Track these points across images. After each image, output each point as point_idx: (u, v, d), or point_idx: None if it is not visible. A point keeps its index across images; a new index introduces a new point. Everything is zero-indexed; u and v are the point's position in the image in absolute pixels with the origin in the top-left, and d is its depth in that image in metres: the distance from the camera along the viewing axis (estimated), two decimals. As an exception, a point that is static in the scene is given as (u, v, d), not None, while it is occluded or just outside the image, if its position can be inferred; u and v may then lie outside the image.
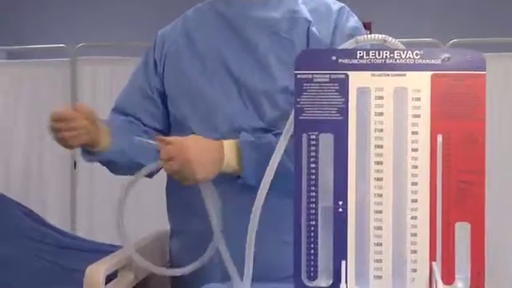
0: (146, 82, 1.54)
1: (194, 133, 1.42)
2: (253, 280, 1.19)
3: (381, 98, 1.06)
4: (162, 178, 1.50)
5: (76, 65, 3.77)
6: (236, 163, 1.35)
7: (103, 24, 5.61)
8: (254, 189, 1.16)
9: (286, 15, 1.44)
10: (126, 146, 1.45)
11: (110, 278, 1.35)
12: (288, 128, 1.08)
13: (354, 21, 1.46)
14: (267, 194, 1.10)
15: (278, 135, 1.34)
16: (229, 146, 1.36)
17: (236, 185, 1.37)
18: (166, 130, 1.55)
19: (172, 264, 1.54)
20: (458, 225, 1.05)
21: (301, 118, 1.07)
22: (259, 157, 1.32)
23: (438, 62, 1.05)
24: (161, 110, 1.55)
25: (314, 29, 1.41)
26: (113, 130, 1.45)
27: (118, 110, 1.57)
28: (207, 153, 1.34)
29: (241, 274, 1.19)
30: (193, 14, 1.54)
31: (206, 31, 1.48)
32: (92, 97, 3.73)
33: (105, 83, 3.72)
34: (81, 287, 1.25)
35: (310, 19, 1.43)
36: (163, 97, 1.54)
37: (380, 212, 1.06)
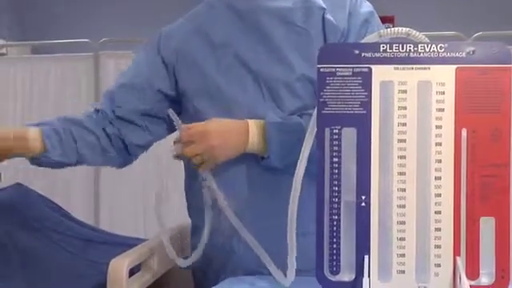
0: (145, 80, 1.52)
1: None
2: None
3: (404, 91, 1.05)
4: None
5: (99, 59, 3.80)
6: (262, 146, 1.35)
7: (126, 19, 5.64)
8: (277, 170, 1.16)
9: (297, 4, 1.43)
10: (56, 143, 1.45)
11: (133, 272, 1.36)
12: (313, 123, 1.08)
13: (367, 5, 1.46)
14: (285, 183, 1.11)
15: (303, 116, 1.34)
16: (255, 126, 1.35)
17: (259, 165, 1.36)
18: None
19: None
20: (482, 219, 1.04)
21: (323, 111, 1.06)
22: (285, 139, 1.32)
23: (463, 55, 1.04)
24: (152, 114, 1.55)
25: (328, 16, 1.40)
26: (46, 132, 1.44)
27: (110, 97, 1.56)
28: (231, 136, 1.34)
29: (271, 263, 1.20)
30: (203, 9, 1.53)
31: (219, 25, 1.47)
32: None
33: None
34: (105, 280, 1.26)
35: (324, 7, 1.42)
36: (162, 99, 1.53)
37: (403, 207, 1.05)
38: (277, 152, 1.33)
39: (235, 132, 1.35)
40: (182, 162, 1.48)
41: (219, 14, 1.49)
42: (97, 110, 1.54)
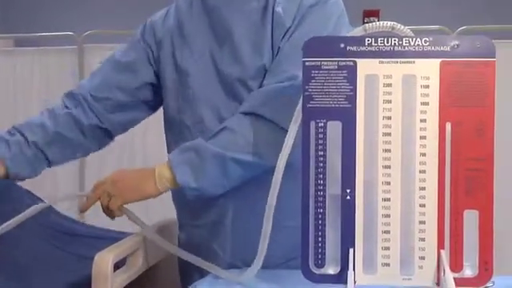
0: (124, 74, 1.52)
1: (187, 124, 1.42)
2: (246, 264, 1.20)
3: (389, 85, 1.06)
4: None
5: (83, 52, 3.78)
6: (168, 171, 1.34)
7: (111, 12, 5.61)
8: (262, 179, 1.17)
9: (261, 1, 1.41)
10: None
11: (118, 266, 1.35)
12: (297, 115, 1.08)
13: None
14: (266, 178, 1.12)
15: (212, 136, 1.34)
16: (162, 166, 1.35)
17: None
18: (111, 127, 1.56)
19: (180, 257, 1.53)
20: (466, 213, 1.04)
21: (309, 105, 1.07)
22: (194, 164, 1.32)
23: (447, 49, 1.05)
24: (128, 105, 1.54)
25: (278, 9, 1.38)
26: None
27: (76, 96, 1.55)
28: (134, 176, 1.38)
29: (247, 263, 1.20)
30: (184, 4, 1.51)
31: (194, 20, 1.46)
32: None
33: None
34: (90, 274, 1.25)
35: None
36: (145, 89, 1.53)
37: (388, 200, 1.06)
38: (188, 179, 1.32)
39: (139, 174, 1.38)
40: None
41: (195, 8, 1.47)
42: (74, 98, 1.53)
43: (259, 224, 1.13)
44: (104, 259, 1.25)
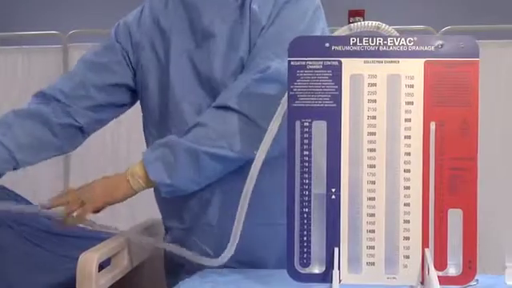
0: (99, 74, 1.50)
1: (169, 127, 1.41)
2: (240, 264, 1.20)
3: (374, 85, 1.06)
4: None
5: (68, 51, 3.76)
6: (140, 168, 1.33)
7: (96, 11, 5.58)
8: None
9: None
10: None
11: (103, 266, 1.35)
12: (278, 113, 1.08)
13: None
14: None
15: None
16: (136, 166, 1.35)
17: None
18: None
19: (166, 256, 1.53)
20: (450, 211, 1.05)
21: (294, 104, 1.07)
22: (162, 153, 1.32)
23: (432, 48, 1.05)
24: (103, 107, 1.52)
25: (254, 6, 1.38)
26: None
27: (46, 96, 1.52)
28: (108, 180, 1.37)
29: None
30: (157, 1, 1.49)
31: (170, 18, 1.44)
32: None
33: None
34: (74, 274, 1.25)
35: None
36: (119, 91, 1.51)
37: (373, 199, 1.06)
38: (161, 175, 1.31)
39: (113, 178, 1.37)
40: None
41: (171, 6, 1.46)
42: (45, 97, 1.51)
43: (248, 223, 1.13)
44: (88, 259, 1.25)
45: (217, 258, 1.22)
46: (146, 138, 1.52)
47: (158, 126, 1.46)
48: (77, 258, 1.25)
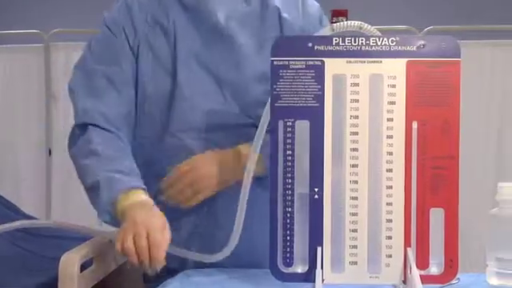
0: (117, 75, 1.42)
1: (171, 129, 1.37)
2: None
3: (356, 84, 1.06)
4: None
5: (50, 51, 3.73)
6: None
7: (78, 9, 5.55)
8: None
9: (255, 6, 1.40)
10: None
11: (85, 266, 1.34)
12: (265, 116, 1.08)
13: (315, 2, 1.44)
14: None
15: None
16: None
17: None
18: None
19: None
20: (432, 211, 1.06)
21: (277, 104, 1.07)
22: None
23: (414, 48, 1.06)
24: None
25: (285, 15, 1.38)
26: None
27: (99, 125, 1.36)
28: (222, 161, 1.28)
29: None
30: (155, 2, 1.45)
31: (172, 21, 1.41)
32: (66, 83, 3.68)
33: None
34: (55, 275, 1.24)
35: (279, 6, 1.40)
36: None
37: (355, 198, 1.07)
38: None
39: (226, 158, 1.30)
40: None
41: (171, 9, 1.43)
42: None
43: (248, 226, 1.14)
44: (70, 260, 1.24)
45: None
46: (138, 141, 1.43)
47: (157, 129, 1.39)
48: (58, 259, 1.24)
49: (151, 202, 1.22)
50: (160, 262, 1.13)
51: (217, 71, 1.35)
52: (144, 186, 1.25)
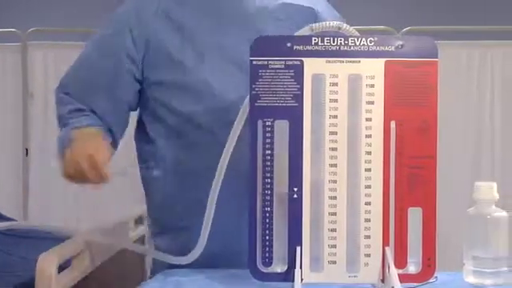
0: (118, 67, 1.38)
1: (202, 127, 1.34)
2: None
3: (335, 84, 1.07)
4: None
5: (27, 50, 3.70)
6: None
7: (56, 7, 5.50)
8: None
9: (280, 4, 1.40)
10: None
11: (63, 267, 1.33)
12: (242, 113, 1.08)
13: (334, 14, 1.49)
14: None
15: None
16: None
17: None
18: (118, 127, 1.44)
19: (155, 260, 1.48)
20: (410, 210, 1.06)
21: (256, 104, 1.07)
22: None
23: (392, 49, 1.06)
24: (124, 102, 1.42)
25: (319, 10, 1.43)
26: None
27: (71, 96, 1.41)
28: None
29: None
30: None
31: (192, 14, 1.38)
32: (43, 82, 3.66)
33: (56, 68, 3.66)
34: (32, 276, 1.23)
35: (314, 8, 1.42)
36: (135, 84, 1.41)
37: (334, 198, 1.07)
38: None
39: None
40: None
41: (191, 2, 1.40)
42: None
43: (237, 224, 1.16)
44: (48, 260, 1.23)
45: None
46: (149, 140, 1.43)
47: (177, 127, 1.38)
48: (35, 260, 1.23)
49: (99, 132, 1.33)
50: (105, 179, 1.23)
51: (241, 61, 1.29)
52: (99, 124, 1.36)
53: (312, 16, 1.42)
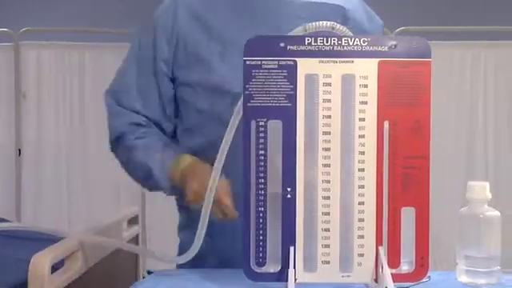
0: (159, 78, 1.42)
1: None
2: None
3: (329, 84, 1.07)
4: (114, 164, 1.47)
5: (19, 50, 3.69)
6: None
7: (49, 7, 5.49)
8: None
9: (305, 2, 1.40)
10: None
11: (56, 268, 1.32)
12: (236, 113, 1.08)
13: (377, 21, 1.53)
14: None
15: None
16: None
17: None
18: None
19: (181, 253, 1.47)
20: (403, 210, 1.06)
21: (249, 104, 1.07)
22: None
23: (385, 49, 1.07)
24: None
25: (350, 13, 1.42)
26: None
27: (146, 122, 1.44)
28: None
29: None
30: None
31: (221, 15, 1.39)
32: (36, 82, 3.66)
33: (49, 68, 3.66)
34: (25, 277, 1.22)
35: (343, 5, 1.43)
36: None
37: (328, 198, 1.07)
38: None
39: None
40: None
41: (220, 2, 1.41)
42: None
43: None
44: (41, 261, 1.22)
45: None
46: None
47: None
48: (28, 260, 1.22)
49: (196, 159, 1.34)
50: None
51: None
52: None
53: (339, 15, 1.41)
